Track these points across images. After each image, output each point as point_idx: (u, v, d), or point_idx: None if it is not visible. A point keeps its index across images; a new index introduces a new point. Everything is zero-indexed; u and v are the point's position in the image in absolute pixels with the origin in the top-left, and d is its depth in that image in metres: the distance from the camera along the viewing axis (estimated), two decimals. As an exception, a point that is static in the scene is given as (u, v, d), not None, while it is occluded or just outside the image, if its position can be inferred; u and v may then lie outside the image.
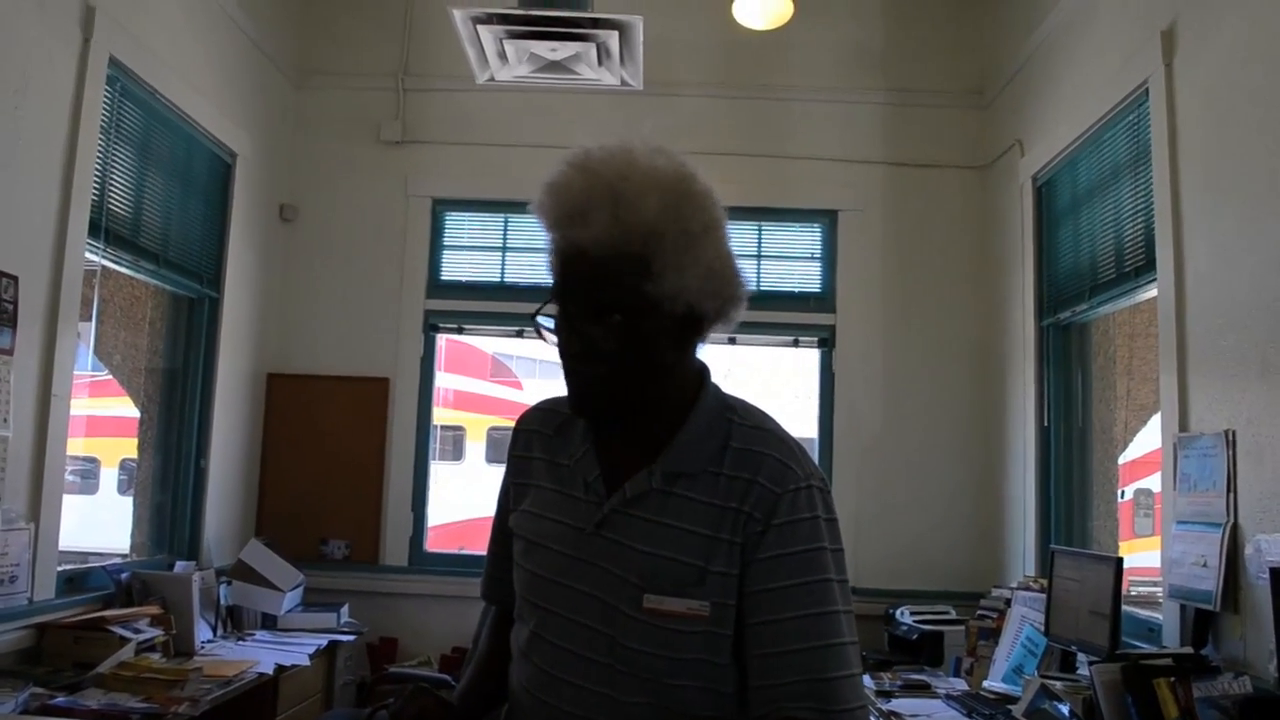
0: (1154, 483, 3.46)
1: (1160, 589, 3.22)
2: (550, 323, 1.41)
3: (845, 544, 1.41)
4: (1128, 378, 4.04)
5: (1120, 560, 3.14)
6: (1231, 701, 2.36)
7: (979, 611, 4.07)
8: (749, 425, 1.43)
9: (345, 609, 4.58)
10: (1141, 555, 4.57)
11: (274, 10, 4.87)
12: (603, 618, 1.37)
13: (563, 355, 1.39)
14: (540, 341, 1.44)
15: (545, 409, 1.58)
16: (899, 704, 3.42)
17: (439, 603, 4.79)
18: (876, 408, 5.04)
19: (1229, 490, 2.78)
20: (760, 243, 5.20)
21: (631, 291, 1.32)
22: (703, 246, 1.37)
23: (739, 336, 5.09)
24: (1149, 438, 3.37)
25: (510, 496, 1.57)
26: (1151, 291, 3.42)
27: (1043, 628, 3.44)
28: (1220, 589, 2.73)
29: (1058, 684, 2.84)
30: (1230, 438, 2.80)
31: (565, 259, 1.36)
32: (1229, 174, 2.93)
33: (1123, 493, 4.10)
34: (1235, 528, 2.74)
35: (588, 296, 1.34)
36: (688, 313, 1.38)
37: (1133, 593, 3.83)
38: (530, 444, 1.55)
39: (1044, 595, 3.49)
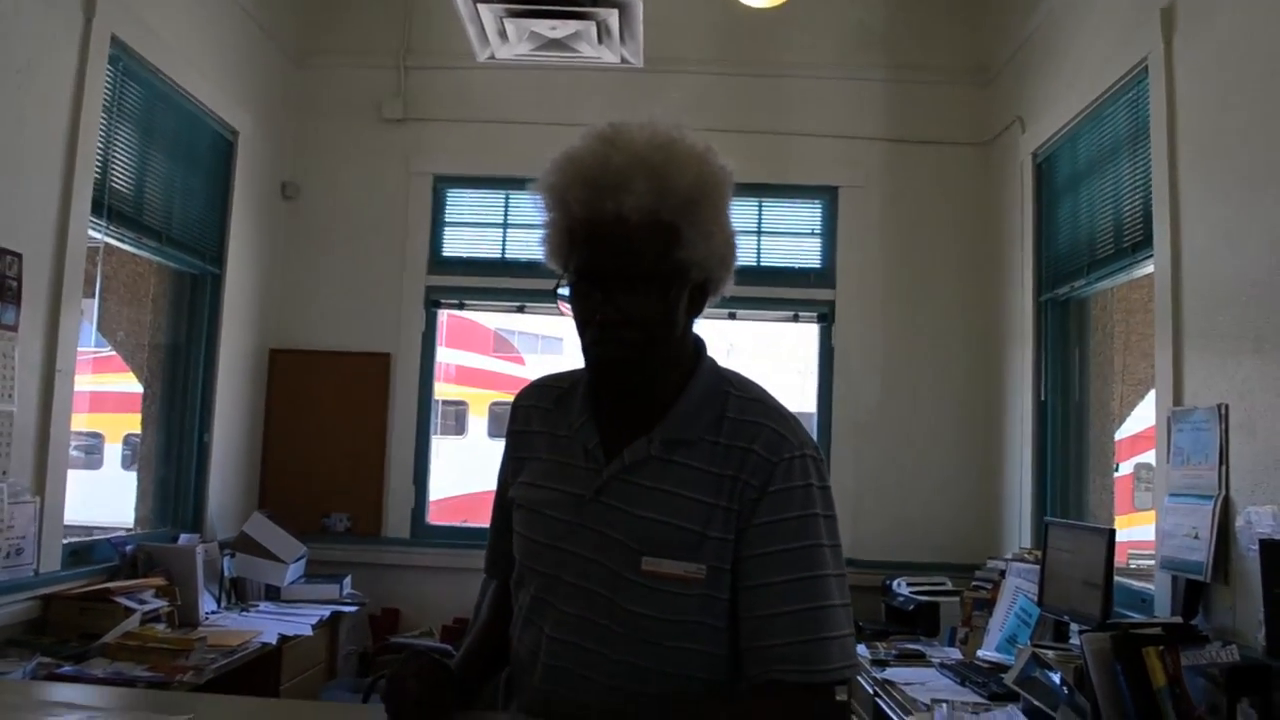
0: (1154, 457, 3.50)
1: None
2: (568, 293, 1.43)
3: (844, 516, 1.45)
4: (1125, 353, 4.07)
5: (1113, 532, 3.18)
6: (1219, 670, 2.40)
7: (974, 582, 4.12)
8: (746, 397, 1.47)
9: (347, 581, 4.63)
10: (1143, 529, 4.61)
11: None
12: (603, 581, 1.41)
13: (588, 325, 1.41)
14: (558, 315, 1.47)
15: (543, 384, 1.62)
16: (893, 673, 3.48)
17: (440, 574, 4.85)
18: (875, 382, 5.07)
19: (1221, 463, 2.81)
20: (760, 219, 5.21)
21: (665, 259, 1.38)
22: (725, 216, 1.43)
23: (739, 312, 5.12)
24: (1150, 412, 3.40)
25: (510, 471, 1.61)
26: (1148, 267, 3.44)
27: (1036, 598, 3.49)
28: (1211, 560, 2.77)
29: (1049, 653, 2.88)
30: (1223, 411, 2.83)
31: (596, 229, 1.37)
32: (1226, 151, 2.95)
33: (1117, 467, 4.15)
34: (1227, 500, 2.78)
35: (625, 264, 1.37)
36: (703, 281, 1.44)
37: (1133, 565, 3.87)
38: (529, 418, 1.59)
39: (1038, 567, 3.54)
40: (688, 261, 1.39)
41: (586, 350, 1.43)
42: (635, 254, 1.36)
